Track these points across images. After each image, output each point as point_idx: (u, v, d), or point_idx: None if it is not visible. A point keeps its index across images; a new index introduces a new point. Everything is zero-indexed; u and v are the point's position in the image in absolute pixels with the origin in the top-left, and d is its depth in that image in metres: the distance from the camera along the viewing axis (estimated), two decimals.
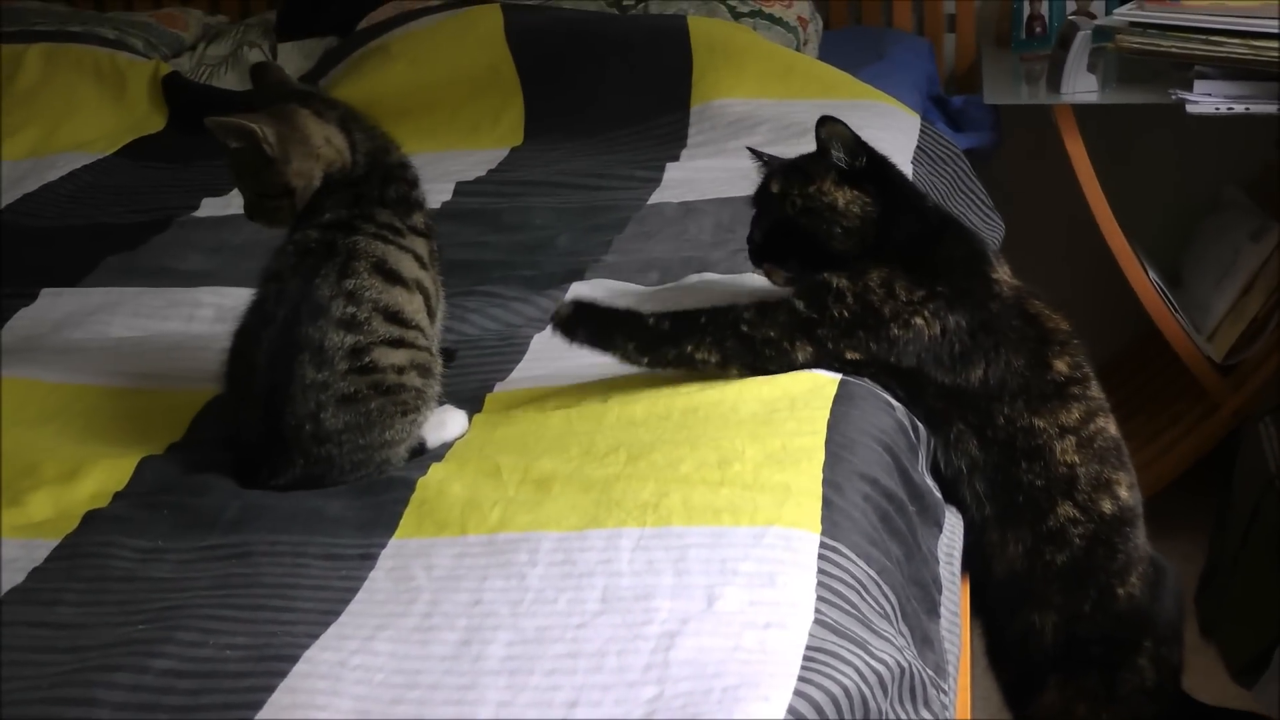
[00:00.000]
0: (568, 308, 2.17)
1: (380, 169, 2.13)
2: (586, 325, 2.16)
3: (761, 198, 2.35)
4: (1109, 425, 2.26)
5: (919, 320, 2.15)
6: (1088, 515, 2.21)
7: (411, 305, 2.03)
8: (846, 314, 2.15)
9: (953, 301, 2.17)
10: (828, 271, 2.20)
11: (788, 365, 2.14)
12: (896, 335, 2.15)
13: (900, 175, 2.38)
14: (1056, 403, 2.20)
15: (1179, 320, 3.60)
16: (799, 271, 2.29)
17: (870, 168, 2.29)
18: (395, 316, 2.00)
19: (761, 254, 2.34)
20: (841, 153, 2.27)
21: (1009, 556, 2.22)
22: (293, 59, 3.98)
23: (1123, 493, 2.25)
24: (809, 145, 2.37)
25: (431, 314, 2.08)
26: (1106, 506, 2.22)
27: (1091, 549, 2.22)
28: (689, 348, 2.14)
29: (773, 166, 2.38)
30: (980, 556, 2.24)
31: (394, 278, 2.01)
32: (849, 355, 2.15)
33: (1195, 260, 3.88)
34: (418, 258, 2.06)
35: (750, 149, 2.46)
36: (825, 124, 2.28)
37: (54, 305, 2.62)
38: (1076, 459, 2.20)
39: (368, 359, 1.96)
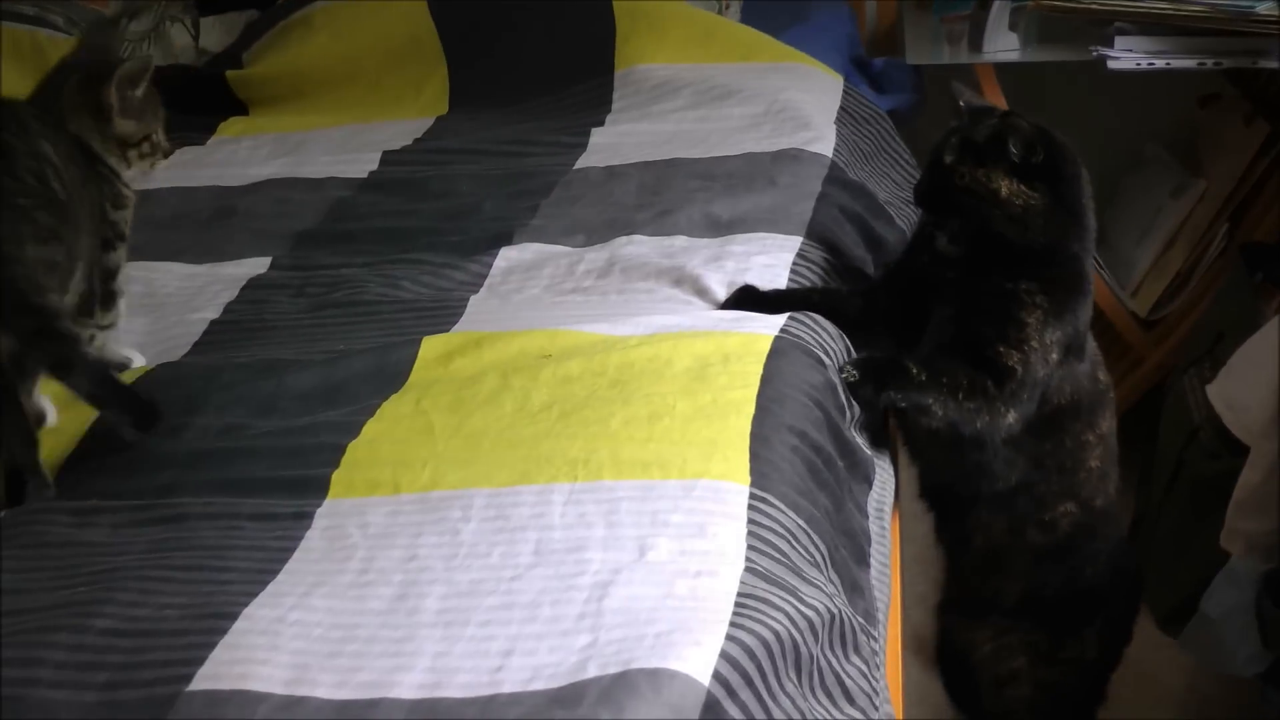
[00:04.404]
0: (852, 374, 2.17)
1: None
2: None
3: (934, 159, 2.29)
4: (1114, 422, 2.33)
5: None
6: (1083, 509, 2.27)
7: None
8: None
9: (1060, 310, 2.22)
10: (984, 244, 2.21)
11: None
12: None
13: (1075, 176, 2.28)
14: (1102, 410, 2.28)
15: (1103, 277, 3.63)
16: (956, 235, 2.24)
17: (1047, 163, 2.21)
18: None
19: (926, 202, 2.31)
20: (1018, 147, 2.19)
21: (993, 533, 2.27)
22: (214, 33, 3.96)
23: (1112, 488, 2.33)
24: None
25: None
26: (1099, 501, 2.29)
27: (1074, 534, 2.29)
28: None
29: (960, 125, 2.29)
30: (964, 529, 2.31)
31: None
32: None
33: (1118, 217, 3.92)
34: None
35: (960, 101, 2.37)
36: (1006, 117, 2.23)
37: None
38: (1096, 464, 2.27)
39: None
